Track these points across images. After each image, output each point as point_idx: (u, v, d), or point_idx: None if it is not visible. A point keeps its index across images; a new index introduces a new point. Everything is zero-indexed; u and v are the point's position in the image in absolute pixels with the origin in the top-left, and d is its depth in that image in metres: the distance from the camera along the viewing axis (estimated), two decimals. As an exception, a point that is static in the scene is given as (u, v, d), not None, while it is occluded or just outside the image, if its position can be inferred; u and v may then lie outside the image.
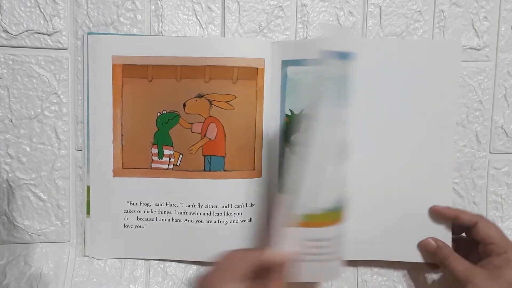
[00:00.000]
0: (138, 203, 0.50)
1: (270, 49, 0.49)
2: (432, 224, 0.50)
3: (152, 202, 0.50)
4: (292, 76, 0.49)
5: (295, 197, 0.39)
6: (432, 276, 0.54)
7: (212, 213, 0.50)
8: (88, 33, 0.48)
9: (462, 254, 0.48)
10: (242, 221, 0.50)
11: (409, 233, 0.50)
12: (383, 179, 0.50)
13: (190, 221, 0.50)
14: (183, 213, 0.50)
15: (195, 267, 0.52)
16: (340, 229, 0.43)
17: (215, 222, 0.50)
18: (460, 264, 0.46)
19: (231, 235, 0.50)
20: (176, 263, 0.52)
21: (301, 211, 0.40)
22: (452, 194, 0.51)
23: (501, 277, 0.44)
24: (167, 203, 0.50)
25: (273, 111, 0.50)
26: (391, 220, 0.50)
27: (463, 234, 0.52)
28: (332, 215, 0.42)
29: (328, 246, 0.43)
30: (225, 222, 0.50)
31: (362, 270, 0.53)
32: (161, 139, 0.50)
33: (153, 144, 0.50)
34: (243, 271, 0.38)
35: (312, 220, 0.41)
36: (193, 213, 0.50)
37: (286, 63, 0.49)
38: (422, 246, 0.50)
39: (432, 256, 0.49)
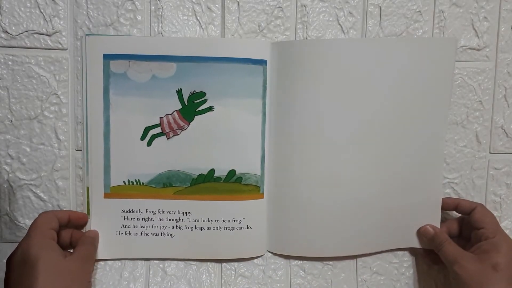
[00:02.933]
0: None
1: (270, 49, 0.49)
2: (423, 213, 0.52)
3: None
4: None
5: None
6: (429, 275, 0.54)
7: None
8: (86, 35, 0.48)
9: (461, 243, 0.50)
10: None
11: (405, 222, 0.52)
12: (378, 175, 0.51)
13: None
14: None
15: (194, 267, 0.52)
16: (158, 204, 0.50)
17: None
18: (452, 248, 0.48)
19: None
20: (176, 263, 0.52)
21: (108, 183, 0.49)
22: (441, 188, 0.52)
23: (487, 260, 0.45)
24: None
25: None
26: (387, 212, 0.52)
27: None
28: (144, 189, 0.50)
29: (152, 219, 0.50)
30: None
31: (361, 270, 0.53)
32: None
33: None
34: (49, 226, 0.44)
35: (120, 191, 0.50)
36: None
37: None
38: (421, 233, 0.52)
39: (429, 242, 0.51)
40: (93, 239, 0.49)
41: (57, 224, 0.46)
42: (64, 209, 0.50)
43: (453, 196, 0.54)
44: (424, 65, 0.49)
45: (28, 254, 0.41)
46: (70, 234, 0.48)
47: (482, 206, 0.50)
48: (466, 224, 0.51)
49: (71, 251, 0.46)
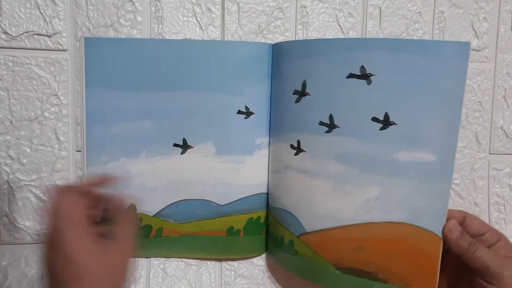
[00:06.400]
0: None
1: (269, 50, 0.49)
2: None
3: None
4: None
5: None
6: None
7: None
8: (82, 37, 0.47)
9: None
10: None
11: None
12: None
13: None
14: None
15: (194, 267, 0.52)
16: None
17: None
18: (489, 255, 0.40)
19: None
20: (176, 264, 0.52)
21: None
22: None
23: None
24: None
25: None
26: None
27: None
28: None
29: None
30: None
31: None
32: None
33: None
34: (80, 215, 0.37)
35: None
36: None
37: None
38: (446, 230, 0.42)
39: (453, 243, 0.41)
40: (131, 217, 0.43)
41: (86, 208, 0.39)
42: (82, 181, 0.45)
43: (454, 197, 0.53)
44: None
45: (66, 252, 0.36)
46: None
47: (468, 213, 0.44)
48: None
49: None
